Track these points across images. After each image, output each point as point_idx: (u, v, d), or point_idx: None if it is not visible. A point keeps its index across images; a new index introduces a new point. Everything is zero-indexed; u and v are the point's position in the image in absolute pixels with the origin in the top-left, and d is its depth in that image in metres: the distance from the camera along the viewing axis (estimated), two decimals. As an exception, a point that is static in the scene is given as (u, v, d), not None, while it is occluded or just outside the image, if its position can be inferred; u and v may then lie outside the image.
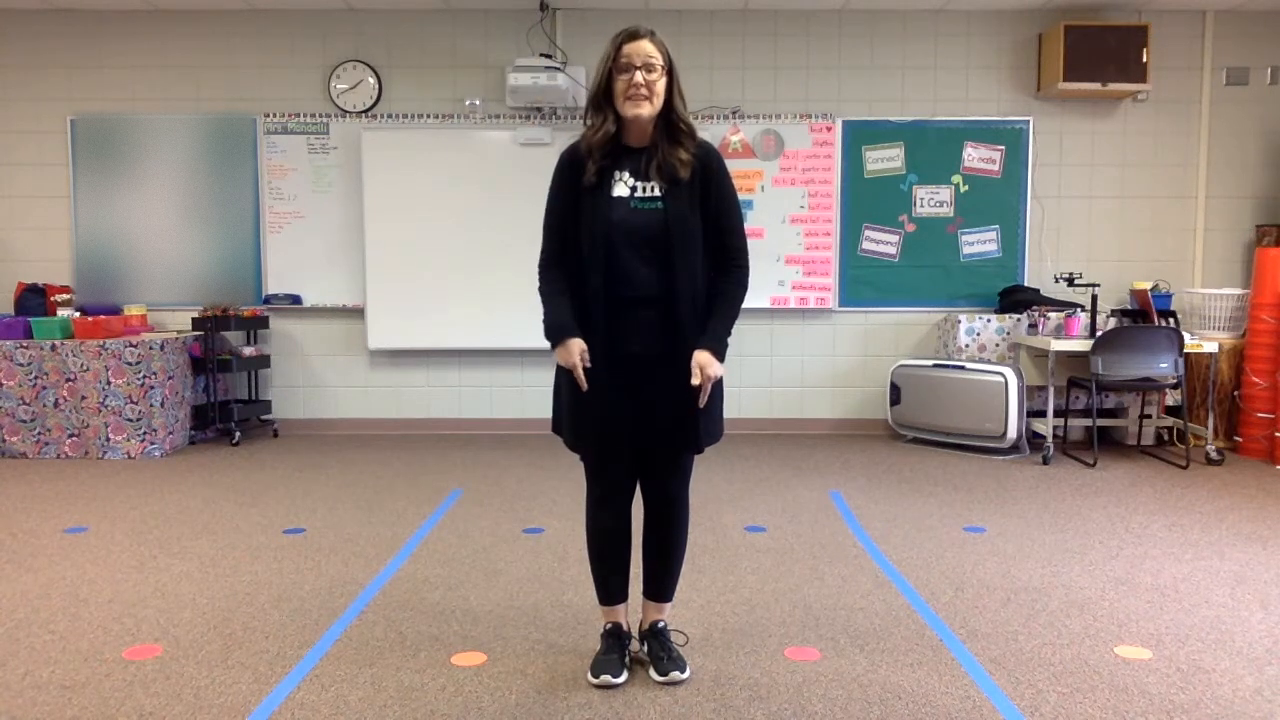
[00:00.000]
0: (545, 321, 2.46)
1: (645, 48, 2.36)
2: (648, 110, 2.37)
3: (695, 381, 2.38)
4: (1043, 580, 3.38)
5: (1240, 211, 6.38)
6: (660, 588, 2.64)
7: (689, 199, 2.41)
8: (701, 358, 2.39)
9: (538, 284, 2.52)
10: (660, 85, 2.38)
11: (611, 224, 2.39)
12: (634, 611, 2.80)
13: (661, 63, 2.37)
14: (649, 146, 2.44)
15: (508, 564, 3.56)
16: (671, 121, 2.43)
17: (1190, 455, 5.54)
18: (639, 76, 2.34)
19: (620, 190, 2.42)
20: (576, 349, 2.39)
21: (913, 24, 6.28)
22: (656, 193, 2.41)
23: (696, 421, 2.45)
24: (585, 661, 2.64)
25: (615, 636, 2.63)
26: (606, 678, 2.52)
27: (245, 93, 6.29)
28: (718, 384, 2.50)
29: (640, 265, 2.40)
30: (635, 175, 2.43)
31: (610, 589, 2.64)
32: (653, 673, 2.57)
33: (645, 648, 2.66)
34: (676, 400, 2.43)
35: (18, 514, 4.29)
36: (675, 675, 2.54)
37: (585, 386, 2.40)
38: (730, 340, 2.56)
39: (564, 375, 2.50)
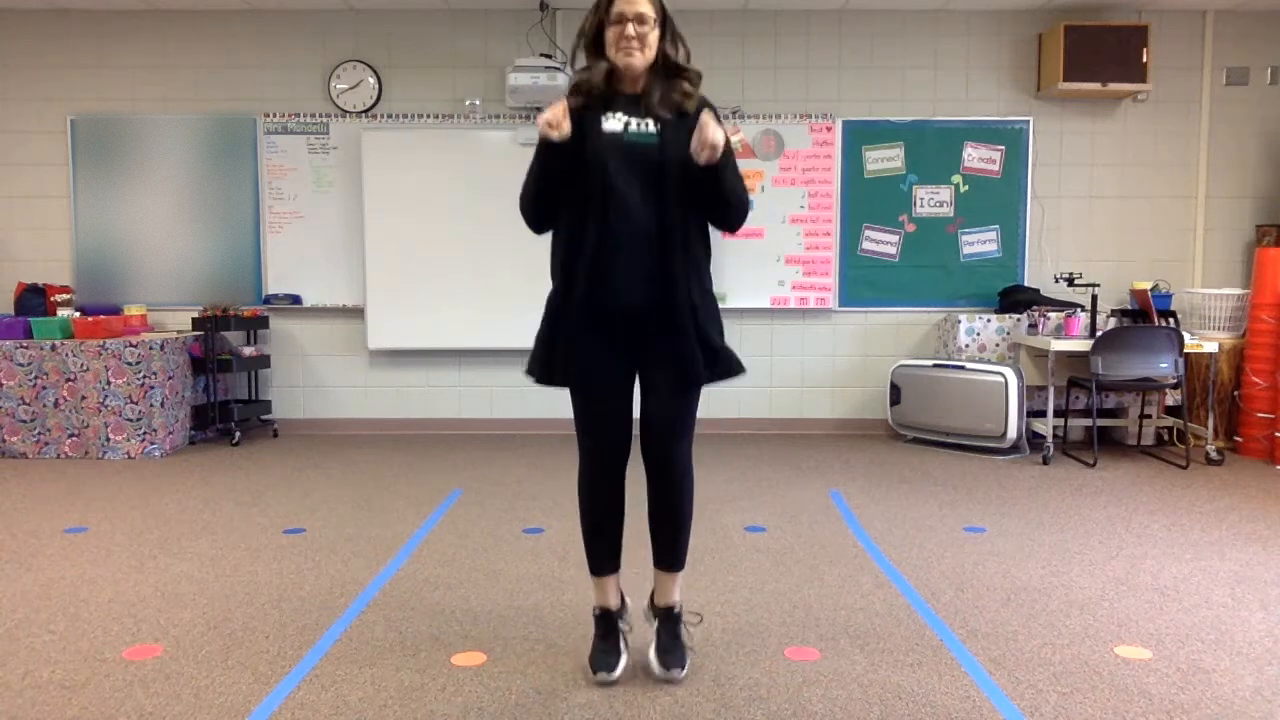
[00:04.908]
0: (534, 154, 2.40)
1: (638, 3, 2.33)
2: (639, 61, 2.36)
3: (695, 143, 2.28)
4: (1043, 580, 3.38)
5: (1240, 211, 6.38)
6: (670, 556, 2.58)
7: (686, 138, 2.36)
8: (705, 117, 2.30)
9: (519, 204, 2.47)
10: (652, 37, 2.36)
11: (605, 155, 2.36)
12: (641, 597, 2.79)
13: (654, 15, 2.36)
14: (642, 93, 2.42)
15: (508, 564, 3.56)
16: (669, 66, 2.42)
17: (1190, 455, 5.53)
18: (630, 29, 2.32)
19: (614, 125, 2.39)
20: (561, 105, 2.30)
21: (913, 24, 6.27)
22: (652, 128, 2.39)
23: (695, 353, 2.41)
24: (585, 661, 2.63)
25: (606, 621, 2.60)
26: (603, 674, 2.51)
27: (245, 93, 6.29)
28: (717, 321, 2.47)
29: (635, 199, 2.37)
30: (629, 113, 2.40)
31: (599, 557, 2.58)
32: (653, 659, 2.55)
33: (655, 628, 2.62)
34: (674, 341, 2.41)
35: (18, 514, 4.29)
36: (675, 674, 2.52)
37: (567, 131, 2.29)
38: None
39: (547, 317, 2.47)
